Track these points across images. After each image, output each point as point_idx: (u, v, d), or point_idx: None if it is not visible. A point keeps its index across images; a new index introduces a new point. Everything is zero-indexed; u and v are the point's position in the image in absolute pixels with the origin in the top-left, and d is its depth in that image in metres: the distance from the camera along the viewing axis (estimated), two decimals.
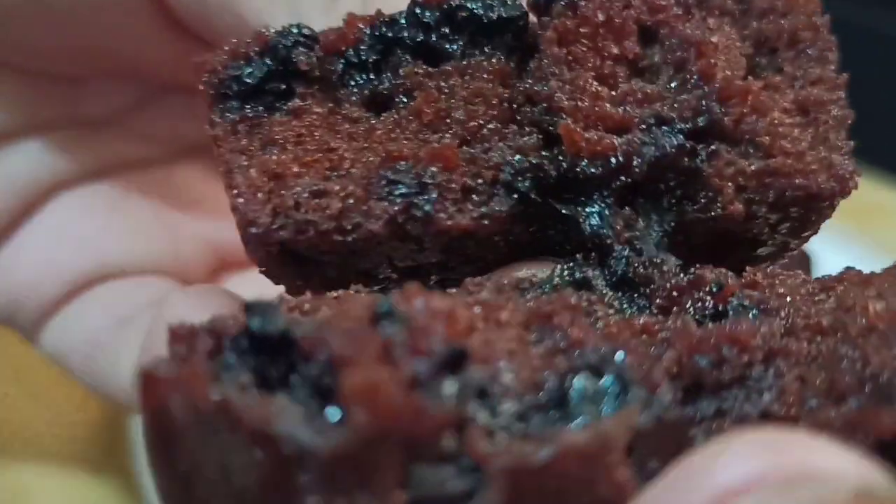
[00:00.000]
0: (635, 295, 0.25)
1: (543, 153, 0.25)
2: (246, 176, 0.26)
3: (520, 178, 0.25)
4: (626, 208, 0.25)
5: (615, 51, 0.26)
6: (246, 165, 0.26)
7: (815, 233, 0.28)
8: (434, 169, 0.25)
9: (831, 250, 0.68)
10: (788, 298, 0.24)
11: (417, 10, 0.27)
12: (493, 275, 0.26)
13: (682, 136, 0.25)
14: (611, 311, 0.24)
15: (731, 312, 0.23)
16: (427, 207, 0.25)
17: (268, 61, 0.27)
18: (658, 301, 0.24)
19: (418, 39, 0.27)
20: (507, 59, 0.27)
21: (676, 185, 0.26)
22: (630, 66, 0.26)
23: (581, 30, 0.26)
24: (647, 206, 0.26)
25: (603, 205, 0.25)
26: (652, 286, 0.24)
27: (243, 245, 0.27)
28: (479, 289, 0.24)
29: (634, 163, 0.25)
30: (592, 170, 0.25)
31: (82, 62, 0.38)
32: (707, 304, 0.24)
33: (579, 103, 0.25)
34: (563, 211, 0.25)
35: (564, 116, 0.25)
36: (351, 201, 0.25)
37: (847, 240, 0.72)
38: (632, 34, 0.26)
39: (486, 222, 0.25)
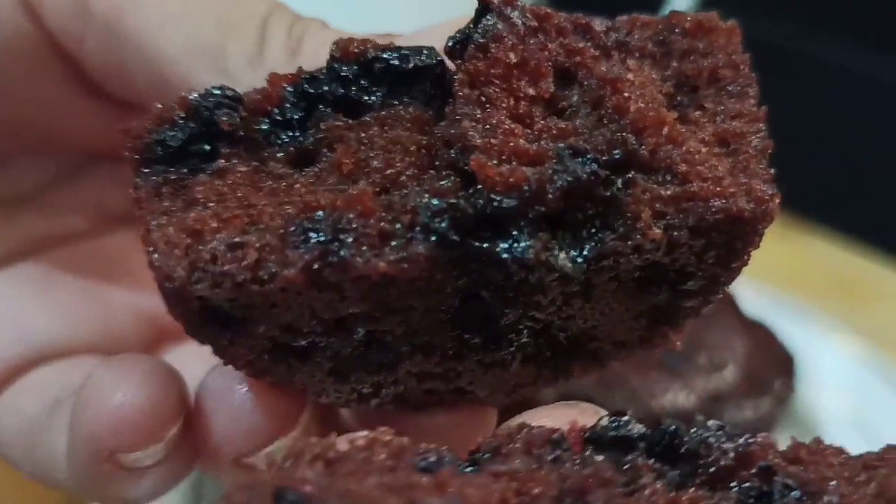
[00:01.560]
0: (678, 464, 0.24)
1: (460, 193, 0.25)
2: (164, 233, 0.26)
3: (437, 220, 0.25)
4: (544, 235, 0.25)
5: (530, 91, 0.26)
6: (165, 224, 0.26)
7: (745, 264, 0.28)
8: (350, 215, 0.25)
9: (814, 342, 0.67)
10: (833, 482, 0.23)
11: (336, 66, 0.27)
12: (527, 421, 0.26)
13: (596, 165, 0.25)
14: (651, 480, 0.23)
15: (776, 494, 0.23)
16: (343, 252, 0.25)
17: (191, 124, 0.27)
18: (703, 474, 0.24)
19: (339, 93, 0.27)
20: (426, 107, 0.27)
21: (594, 214, 0.25)
22: (547, 106, 0.27)
23: (493, 71, 0.26)
24: (566, 236, 0.25)
25: (520, 235, 0.25)
26: (699, 461, 0.24)
27: (165, 304, 0.27)
28: (511, 452, 0.24)
29: (548, 191, 0.25)
30: (507, 202, 0.25)
31: (2, 140, 0.38)
32: (753, 483, 0.24)
33: (492, 140, 0.25)
34: (482, 245, 0.25)
35: (478, 154, 0.25)
36: (267, 251, 0.25)
37: (830, 324, 0.71)
38: (547, 75, 0.27)
39: (404, 266, 0.25)
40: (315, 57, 0.31)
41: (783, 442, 0.61)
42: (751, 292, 0.71)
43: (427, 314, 0.27)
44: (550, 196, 0.25)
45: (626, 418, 0.25)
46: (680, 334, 0.30)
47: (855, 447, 0.64)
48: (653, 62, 0.28)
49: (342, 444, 0.23)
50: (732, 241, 0.27)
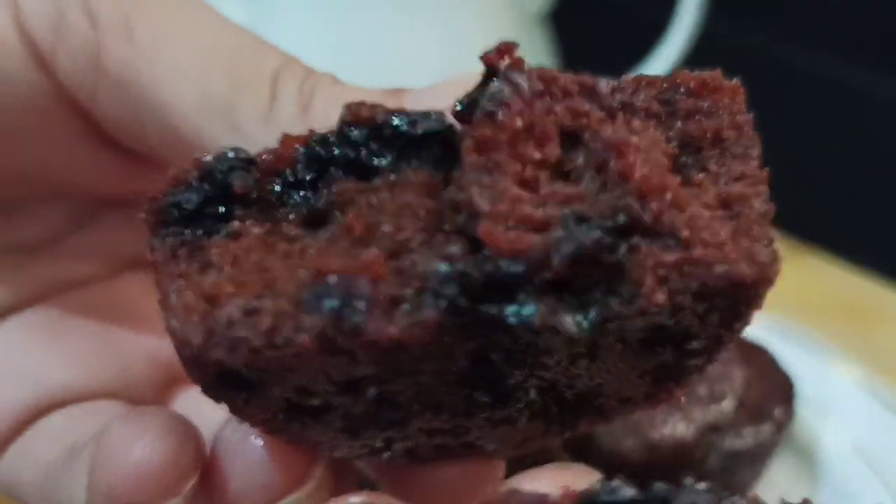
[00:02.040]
0: None
1: (469, 258, 0.26)
2: (181, 298, 0.26)
3: (446, 285, 0.25)
4: (550, 300, 0.26)
5: (536, 155, 0.27)
6: (182, 288, 0.27)
7: (747, 324, 0.28)
8: (362, 282, 0.26)
9: (816, 366, 0.67)
10: None
11: (346, 129, 0.28)
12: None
13: (600, 232, 0.26)
14: None
15: None
16: (355, 319, 0.25)
17: (206, 186, 0.28)
18: None
19: (349, 157, 0.28)
20: (435, 171, 0.27)
21: (599, 279, 0.26)
22: (553, 169, 0.27)
23: (499, 137, 0.27)
24: (573, 300, 0.26)
25: (526, 299, 0.25)
26: None
27: (183, 367, 0.28)
28: None
29: (553, 258, 0.25)
30: (513, 268, 0.25)
31: (15, 188, 0.38)
32: None
33: (499, 206, 0.26)
34: (491, 310, 0.25)
35: (486, 220, 0.26)
36: (282, 317, 0.26)
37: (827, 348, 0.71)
38: (553, 139, 0.27)
39: (415, 331, 0.25)
40: (325, 113, 0.31)
41: (784, 471, 0.60)
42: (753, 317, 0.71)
43: (437, 376, 0.28)
44: (556, 262, 0.25)
45: (616, 483, 0.25)
46: (685, 390, 0.31)
47: (857, 473, 0.63)
48: (658, 122, 0.28)
49: None
50: (735, 303, 0.27)
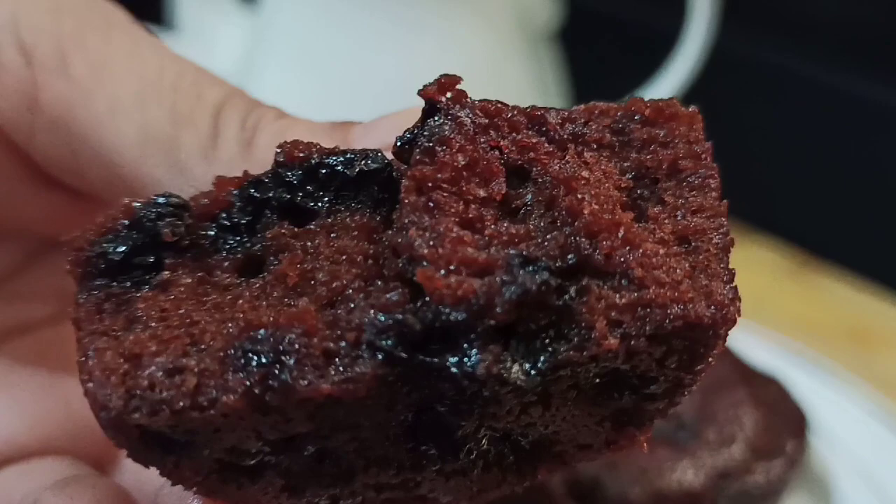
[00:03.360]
0: None
1: (408, 307, 0.24)
2: (100, 359, 0.25)
3: (383, 337, 0.24)
4: (495, 348, 0.24)
5: (481, 193, 0.26)
6: (104, 348, 0.25)
7: (709, 365, 0.27)
8: (293, 335, 0.24)
9: (826, 394, 0.66)
10: None
11: (280, 170, 0.27)
12: None
13: (547, 274, 0.24)
14: None
15: None
16: (284, 376, 0.24)
17: (134, 234, 0.26)
18: None
19: (284, 199, 0.26)
20: (374, 212, 0.26)
21: (547, 324, 0.24)
22: (500, 208, 0.26)
23: (440, 175, 0.25)
24: (519, 347, 0.24)
25: (469, 348, 0.24)
26: None
27: (104, 433, 0.26)
28: None
29: (497, 304, 0.24)
30: (455, 315, 0.24)
31: None
32: None
33: (439, 250, 0.24)
34: (432, 360, 0.24)
35: (425, 264, 0.24)
36: (207, 376, 0.24)
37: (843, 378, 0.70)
38: (499, 175, 0.26)
39: (350, 386, 0.24)
40: (269, 149, 0.30)
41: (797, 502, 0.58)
42: (761, 342, 0.70)
43: (378, 429, 0.26)
44: (499, 309, 0.24)
45: None
46: (648, 434, 0.29)
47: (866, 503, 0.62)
48: (611, 153, 0.27)
49: None
50: (693, 346, 0.26)
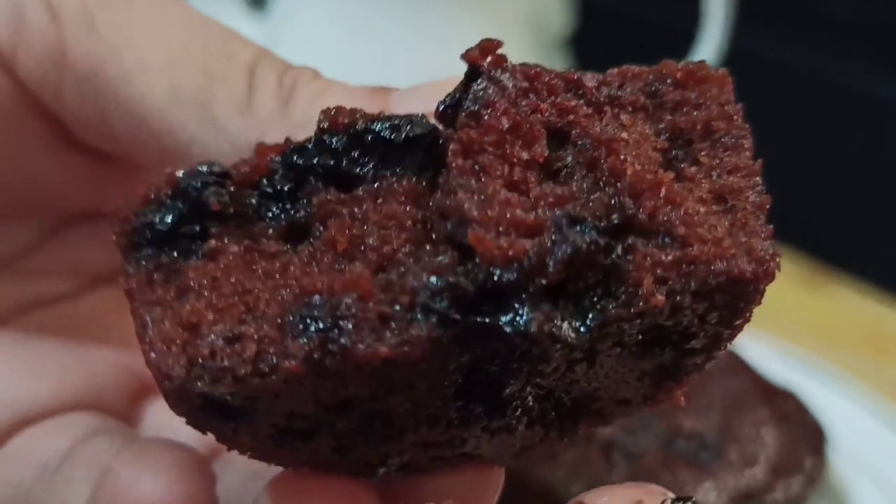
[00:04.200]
0: None
1: (459, 269, 0.25)
2: (160, 329, 0.25)
3: (437, 299, 0.24)
4: (546, 306, 0.25)
5: (524, 156, 0.26)
6: (160, 318, 0.26)
7: (748, 320, 0.28)
8: (348, 300, 0.25)
9: (843, 406, 0.65)
10: None
11: (325, 137, 0.27)
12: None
13: (595, 233, 0.25)
14: None
15: None
16: (343, 340, 0.24)
17: (179, 204, 0.26)
18: None
19: (328, 166, 0.27)
20: (420, 177, 0.27)
21: (595, 282, 0.25)
22: (542, 170, 0.26)
23: (486, 138, 0.26)
24: (569, 305, 0.25)
25: (521, 307, 0.24)
26: None
27: (166, 401, 0.26)
28: None
29: (548, 263, 0.24)
30: (507, 276, 0.24)
31: None
32: None
33: (489, 212, 0.25)
34: (484, 320, 0.24)
35: (475, 227, 0.25)
36: (266, 343, 0.25)
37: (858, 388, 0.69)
38: (541, 138, 0.26)
39: (406, 349, 0.24)
40: (309, 107, 0.30)
41: None
42: (778, 353, 0.69)
43: (430, 390, 0.27)
44: (551, 269, 0.24)
45: (692, 502, 0.24)
46: (685, 389, 0.30)
47: None
48: (646, 116, 0.28)
49: None
50: (735, 301, 0.26)
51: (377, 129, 0.26)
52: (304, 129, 0.28)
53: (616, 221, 0.25)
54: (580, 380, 0.28)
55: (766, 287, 0.26)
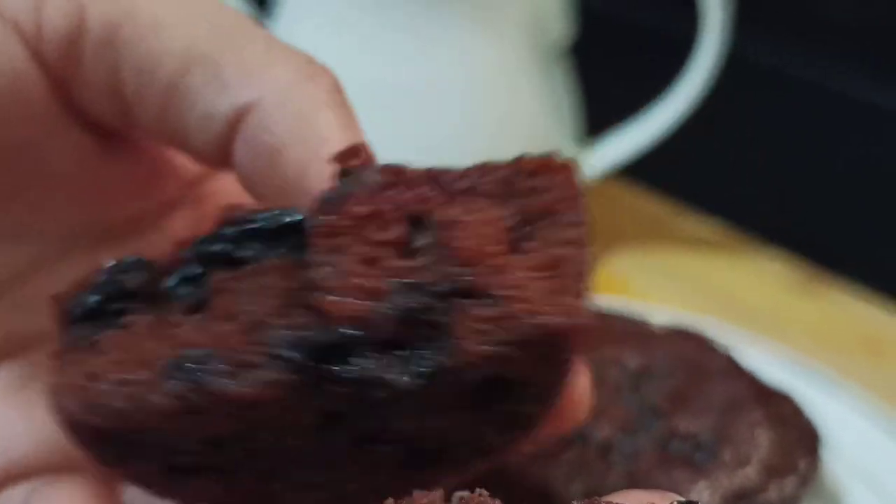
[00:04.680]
0: None
1: (314, 327, 0.30)
2: (65, 378, 0.32)
3: (290, 349, 0.30)
4: (382, 357, 0.30)
5: (380, 237, 0.31)
6: (70, 371, 0.32)
7: (570, 370, 0.33)
8: (217, 350, 0.30)
9: (839, 410, 0.66)
10: None
11: (223, 230, 0.33)
12: None
13: (427, 297, 0.30)
14: None
15: None
16: (208, 380, 0.30)
17: (106, 288, 0.33)
18: None
19: (226, 251, 0.32)
20: (294, 256, 0.32)
21: (427, 337, 0.30)
22: (398, 249, 0.31)
23: (343, 223, 0.31)
24: (403, 356, 0.30)
25: (360, 358, 0.30)
26: None
27: (68, 438, 0.33)
28: None
29: (384, 321, 0.29)
30: (349, 331, 0.29)
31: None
32: None
33: (340, 280, 0.30)
34: (330, 368, 0.30)
35: (328, 293, 0.30)
36: (146, 384, 0.31)
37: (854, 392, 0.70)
38: (398, 223, 0.31)
39: (262, 389, 0.30)
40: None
41: None
42: (773, 357, 0.70)
43: (293, 431, 0.32)
44: (386, 325, 0.29)
45: None
46: (535, 439, 0.35)
47: None
48: (499, 202, 0.32)
49: None
50: (553, 352, 0.31)
51: (258, 220, 0.32)
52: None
53: (449, 287, 0.30)
54: (427, 427, 0.33)
55: (581, 340, 0.31)
